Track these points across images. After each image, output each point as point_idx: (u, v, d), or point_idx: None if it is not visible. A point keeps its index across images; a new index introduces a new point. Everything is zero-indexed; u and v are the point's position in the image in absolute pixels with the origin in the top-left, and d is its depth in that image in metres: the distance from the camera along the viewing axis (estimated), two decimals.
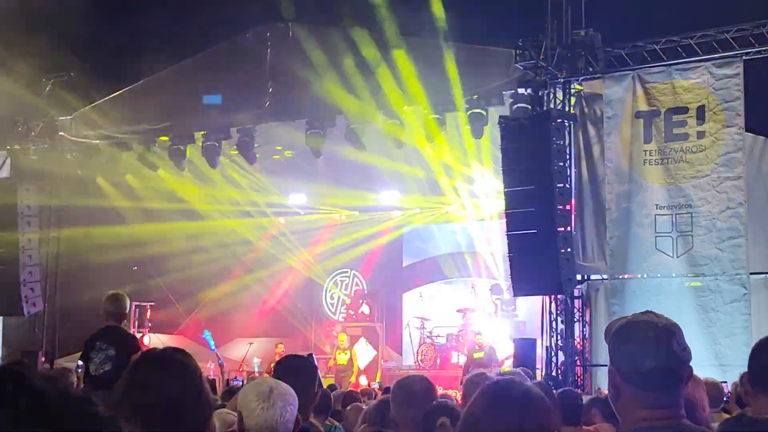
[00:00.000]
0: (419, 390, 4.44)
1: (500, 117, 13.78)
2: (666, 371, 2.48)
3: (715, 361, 12.04)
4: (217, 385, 14.49)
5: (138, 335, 16.51)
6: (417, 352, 20.35)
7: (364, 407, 6.97)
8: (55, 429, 0.95)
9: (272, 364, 19.33)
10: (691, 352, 2.55)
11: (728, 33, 13.02)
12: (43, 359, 16.99)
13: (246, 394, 3.62)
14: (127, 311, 9.06)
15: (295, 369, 4.45)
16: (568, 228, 13.24)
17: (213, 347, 18.63)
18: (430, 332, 21.08)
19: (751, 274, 12.57)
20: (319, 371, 4.86)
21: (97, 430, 1.00)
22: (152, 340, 19.74)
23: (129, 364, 2.77)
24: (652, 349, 2.48)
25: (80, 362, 10.92)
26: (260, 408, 3.49)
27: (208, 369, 18.15)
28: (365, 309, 22.15)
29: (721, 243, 12.54)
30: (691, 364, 2.59)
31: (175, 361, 2.66)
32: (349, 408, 7.71)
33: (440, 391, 13.25)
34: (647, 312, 2.60)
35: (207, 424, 2.64)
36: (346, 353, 19.11)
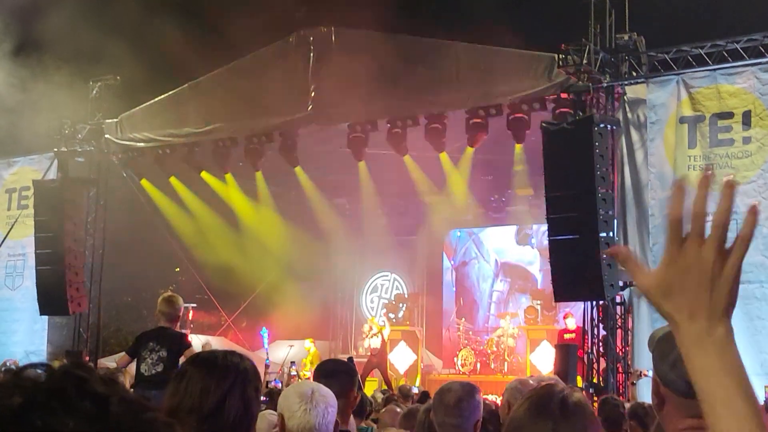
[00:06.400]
0: (451, 398, 4.42)
1: (542, 122, 13.71)
2: None
3: (761, 369, 11.87)
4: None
5: None
6: (457, 357, 20.31)
7: (398, 410, 6.99)
8: None
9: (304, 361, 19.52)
10: None
11: None
12: (87, 359, 17.22)
13: (288, 395, 3.65)
14: (181, 313, 9.18)
15: (335, 373, 4.49)
16: (611, 234, 13.13)
17: (266, 346, 18.85)
18: (470, 336, 21.06)
19: None
20: (358, 375, 4.89)
21: None
22: (194, 341, 19.92)
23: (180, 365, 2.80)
24: None
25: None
26: (302, 409, 3.52)
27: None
28: (405, 313, 22.17)
29: (766, 250, 12.36)
30: None
31: (227, 365, 2.67)
32: (383, 411, 7.73)
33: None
34: None
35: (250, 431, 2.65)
36: (377, 337, 19.13)
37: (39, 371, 0.99)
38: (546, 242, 13.73)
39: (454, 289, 22.92)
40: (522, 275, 22.09)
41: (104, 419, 0.95)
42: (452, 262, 23.11)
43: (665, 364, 2.53)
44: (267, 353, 18.48)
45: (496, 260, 22.42)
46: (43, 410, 0.93)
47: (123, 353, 9.08)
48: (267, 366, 18.27)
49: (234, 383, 2.61)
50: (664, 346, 2.55)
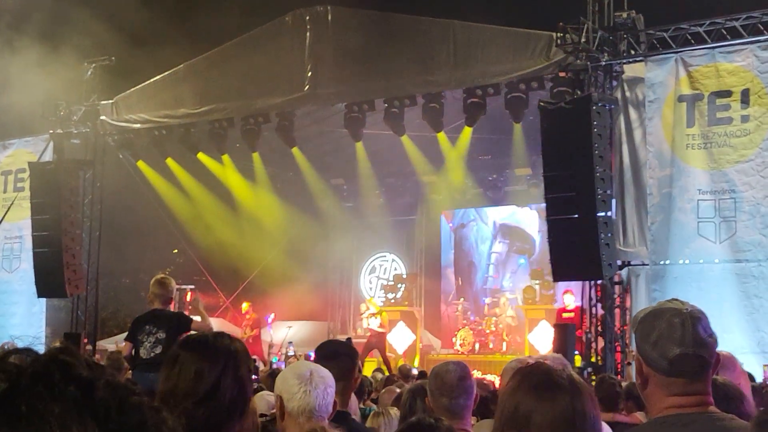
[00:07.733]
0: (453, 378, 4.42)
1: (540, 101, 13.66)
2: (692, 358, 2.47)
3: (758, 348, 11.90)
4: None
5: None
6: (456, 337, 20.35)
7: (398, 391, 7.00)
8: (101, 420, 0.94)
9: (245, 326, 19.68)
10: (717, 338, 2.54)
11: None
12: (85, 341, 17.25)
13: (286, 377, 3.63)
14: (174, 294, 9.16)
15: (336, 355, 4.46)
16: (609, 213, 13.12)
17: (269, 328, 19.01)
18: (468, 316, 21.10)
19: None
20: (359, 357, 4.87)
21: (143, 421, 0.98)
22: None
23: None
24: (677, 336, 2.47)
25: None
26: (303, 391, 3.51)
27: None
28: (404, 293, 22.19)
29: (764, 229, 12.34)
30: (733, 351, 2.56)
31: (219, 347, 2.66)
32: (384, 391, 7.75)
33: (478, 375, 13.25)
34: (673, 299, 2.60)
35: (244, 414, 2.64)
36: (376, 318, 19.20)
37: (24, 357, 0.97)
38: (544, 204, 13.72)
39: (453, 251, 22.95)
40: (520, 236, 22.12)
41: (90, 404, 0.93)
42: (451, 225, 23.16)
43: (647, 343, 2.53)
44: (271, 335, 18.57)
45: (494, 222, 22.47)
46: (28, 395, 0.92)
47: (124, 343, 9.05)
48: (269, 347, 18.38)
49: (227, 365, 2.61)
50: (646, 326, 2.55)
